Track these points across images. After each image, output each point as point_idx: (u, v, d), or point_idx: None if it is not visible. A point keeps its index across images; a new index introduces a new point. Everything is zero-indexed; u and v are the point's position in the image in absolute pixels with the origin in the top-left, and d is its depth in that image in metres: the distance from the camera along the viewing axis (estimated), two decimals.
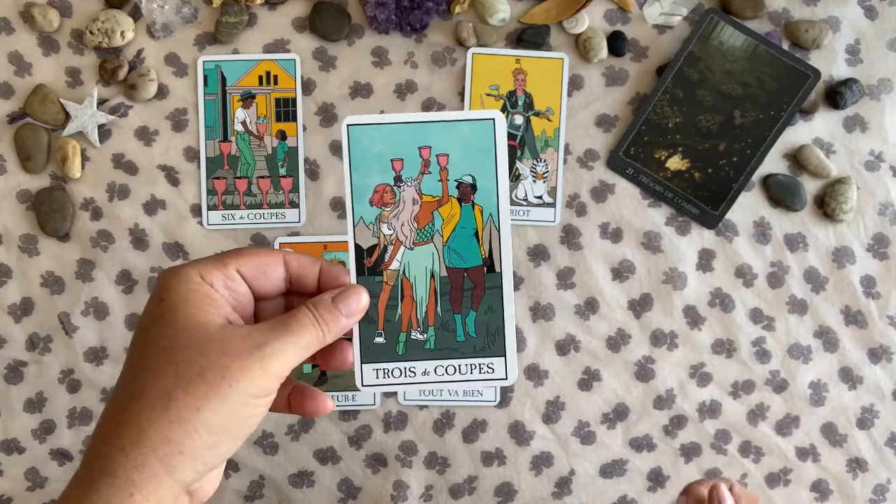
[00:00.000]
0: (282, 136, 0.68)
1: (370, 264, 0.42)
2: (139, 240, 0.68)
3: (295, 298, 0.42)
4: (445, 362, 0.42)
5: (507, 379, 0.42)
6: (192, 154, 0.68)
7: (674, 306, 0.68)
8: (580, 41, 0.68)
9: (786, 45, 0.68)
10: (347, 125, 0.41)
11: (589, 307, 0.68)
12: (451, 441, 0.69)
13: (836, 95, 0.67)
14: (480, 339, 0.42)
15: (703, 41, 0.67)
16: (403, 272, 0.42)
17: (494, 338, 0.42)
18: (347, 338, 0.41)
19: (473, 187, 0.41)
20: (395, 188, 0.41)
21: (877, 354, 0.69)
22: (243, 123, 0.68)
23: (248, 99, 0.68)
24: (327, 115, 0.68)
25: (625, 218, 0.68)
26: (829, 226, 0.68)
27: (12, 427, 0.68)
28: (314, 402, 0.41)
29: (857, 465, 0.69)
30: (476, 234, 0.42)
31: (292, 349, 0.37)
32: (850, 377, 0.69)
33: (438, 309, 0.42)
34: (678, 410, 0.69)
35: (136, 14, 0.67)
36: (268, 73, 0.68)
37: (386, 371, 0.42)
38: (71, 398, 0.68)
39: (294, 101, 0.68)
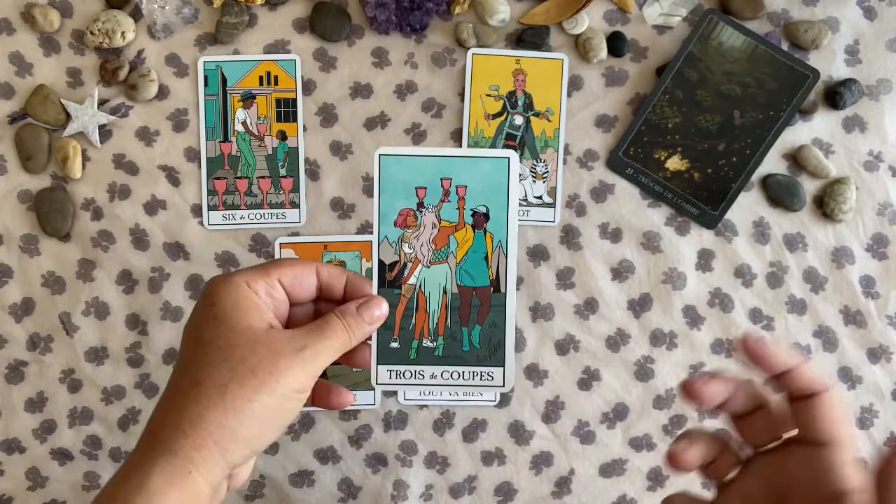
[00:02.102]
0: (282, 136, 0.68)
1: (391, 278, 0.47)
2: (140, 240, 0.68)
3: (322, 304, 0.48)
4: (451, 368, 0.48)
5: (504, 386, 0.48)
6: (192, 154, 0.68)
7: (673, 306, 0.68)
8: (580, 42, 0.68)
9: (785, 46, 0.68)
10: (379, 155, 0.46)
11: (588, 307, 0.68)
12: (451, 441, 0.69)
13: (835, 96, 0.67)
14: (483, 349, 0.48)
15: (702, 41, 0.67)
16: (420, 287, 0.48)
17: (496, 350, 0.48)
18: (367, 341, 0.47)
19: (486, 216, 0.47)
20: (417, 213, 0.47)
21: (876, 354, 0.69)
22: (244, 124, 0.68)
23: (248, 99, 0.68)
24: (328, 116, 0.68)
25: (624, 218, 0.68)
26: (828, 226, 0.69)
27: (13, 427, 0.68)
28: (338, 396, 0.48)
29: None
30: (486, 258, 0.47)
31: (326, 351, 0.43)
32: (849, 377, 0.69)
33: (448, 321, 0.48)
34: (678, 410, 0.69)
35: (136, 14, 0.67)
36: (268, 74, 0.68)
37: (398, 372, 0.48)
38: (72, 398, 0.68)
39: (294, 101, 0.68)
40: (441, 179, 0.46)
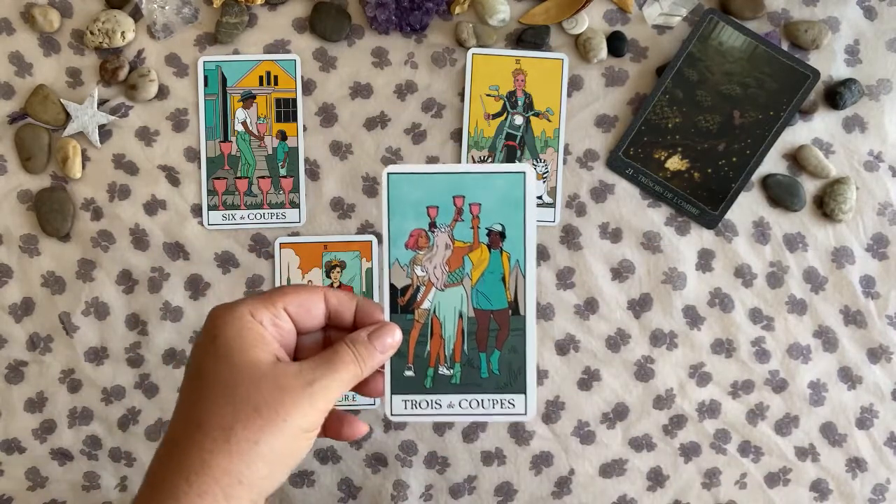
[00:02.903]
0: (282, 136, 0.68)
1: (403, 303, 0.45)
2: (140, 240, 0.68)
3: (332, 332, 0.45)
4: (469, 397, 0.45)
5: (526, 415, 0.45)
6: (192, 154, 0.68)
7: (673, 306, 0.68)
8: (580, 42, 0.68)
9: (785, 46, 0.68)
10: (388, 173, 0.44)
11: (589, 307, 0.68)
12: (451, 441, 0.69)
13: (835, 96, 0.67)
14: (503, 376, 0.45)
15: (702, 42, 0.67)
16: (434, 311, 0.45)
17: (516, 376, 0.45)
18: (380, 369, 0.44)
19: (502, 235, 0.45)
20: (429, 233, 0.45)
21: (876, 354, 0.69)
22: (244, 124, 0.68)
23: (248, 99, 0.68)
24: (328, 116, 0.68)
25: (624, 218, 0.68)
26: (828, 226, 0.69)
27: (13, 427, 0.68)
28: (351, 427, 0.45)
29: (856, 464, 0.69)
30: (503, 279, 0.45)
31: (336, 385, 0.40)
32: (849, 377, 0.69)
33: (465, 347, 0.45)
34: (678, 410, 0.69)
35: (136, 14, 0.67)
36: (268, 74, 0.68)
37: (414, 402, 0.45)
38: (71, 398, 0.68)
39: (294, 101, 0.68)
40: (453, 197, 0.44)
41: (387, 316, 0.45)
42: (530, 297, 0.45)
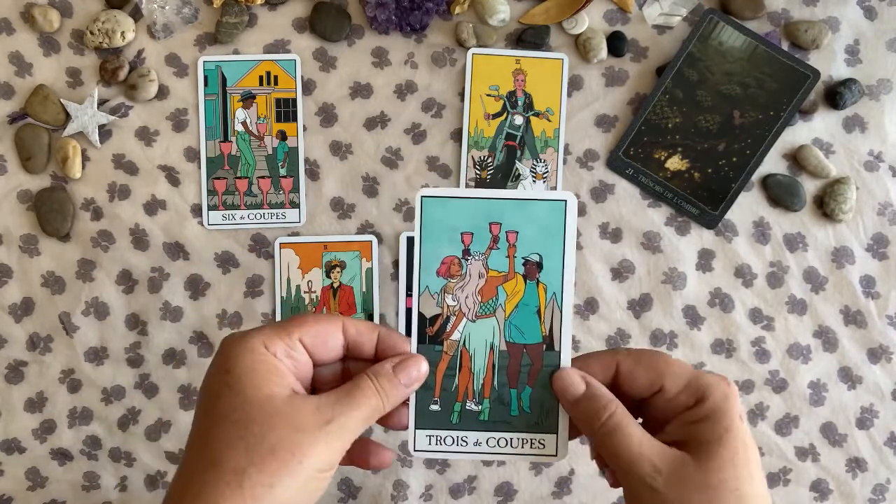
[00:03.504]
0: (282, 136, 0.68)
1: (432, 333, 0.43)
2: (140, 240, 0.68)
3: (351, 363, 0.43)
4: (498, 434, 0.43)
5: (557, 456, 0.43)
6: (192, 154, 0.68)
7: (673, 306, 0.68)
8: (580, 41, 0.68)
9: (785, 46, 0.68)
10: (422, 196, 0.42)
11: (589, 307, 0.68)
12: None
13: (835, 96, 0.67)
14: (534, 414, 0.43)
15: (702, 41, 0.67)
16: (464, 343, 0.43)
17: (548, 414, 0.43)
18: (405, 402, 0.42)
19: (540, 265, 0.42)
20: (462, 261, 0.42)
21: (876, 354, 0.69)
22: (244, 124, 0.68)
23: (248, 99, 0.68)
24: (328, 116, 0.68)
25: (624, 218, 0.68)
26: (828, 226, 0.69)
27: (13, 427, 0.68)
28: (377, 456, 0.43)
29: (856, 464, 0.69)
30: (538, 312, 0.43)
31: (355, 422, 0.38)
32: (849, 377, 0.69)
33: (495, 382, 0.43)
34: None
35: (136, 14, 0.67)
36: (268, 74, 0.68)
37: (439, 438, 0.43)
38: (71, 398, 0.68)
39: (294, 101, 0.68)
40: (490, 224, 0.42)
41: (414, 347, 0.43)
42: (566, 332, 0.42)
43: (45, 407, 0.68)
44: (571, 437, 0.43)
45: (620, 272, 0.69)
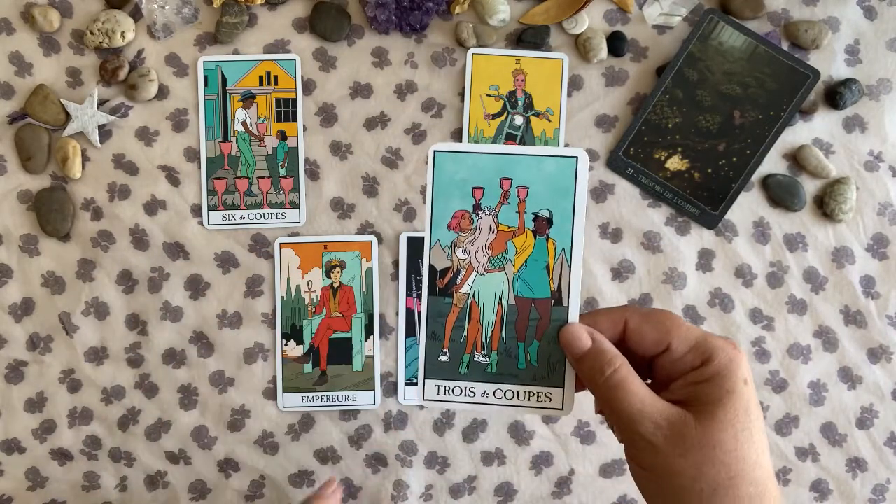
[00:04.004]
0: (282, 136, 0.68)
1: (442, 285, 0.43)
2: (140, 240, 0.68)
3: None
4: (504, 387, 0.43)
5: (563, 409, 0.43)
6: (192, 154, 0.68)
7: (673, 306, 0.68)
8: (580, 41, 0.68)
9: (785, 46, 0.68)
10: (434, 151, 0.42)
11: (589, 307, 0.68)
12: (451, 441, 0.69)
13: (835, 96, 0.67)
14: (541, 368, 0.43)
15: (702, 41, 0.67)
16: (473, 296, 0.43)
17: (555, 368, 0.43)
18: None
19: (550, 221, 0.43)
20: (473, 215, 0.43)
21: (876, 354, 0.69)
22: (244, 123, 0.68)
23: (248, 99, 0.68)
24: (327, 116, 0.68)
25: (625, 218, 0.68)
26: (828, 226, 0.68)
27: (13, 427, 0.68)
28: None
29: (856, 464, 0.69)
30: (547, 267, 0.43)
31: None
32: (849, 377, 0.69)
33: (503, 335, 0.43)
34: None
35: (136, 14, 0.67)
36: (268, 74, 0.68)
37: (447, 388, 0.44)
38: (71, 398, 0.68)
39: (294, 101, 0.68)
40: (500, 179, 0.42)
41: (424, 298, 0.43)
42: (574, 288, 0.43)
43: (45, 407, 0.68)
44: (577, 390, 0.43)
45: (620, 272, 0.69)
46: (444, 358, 0.44)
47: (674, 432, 0.38)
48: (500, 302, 0.43)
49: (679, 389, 0.39)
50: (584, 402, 0.70)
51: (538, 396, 0.43)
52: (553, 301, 0.43)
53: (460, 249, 0.43)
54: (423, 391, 0.44)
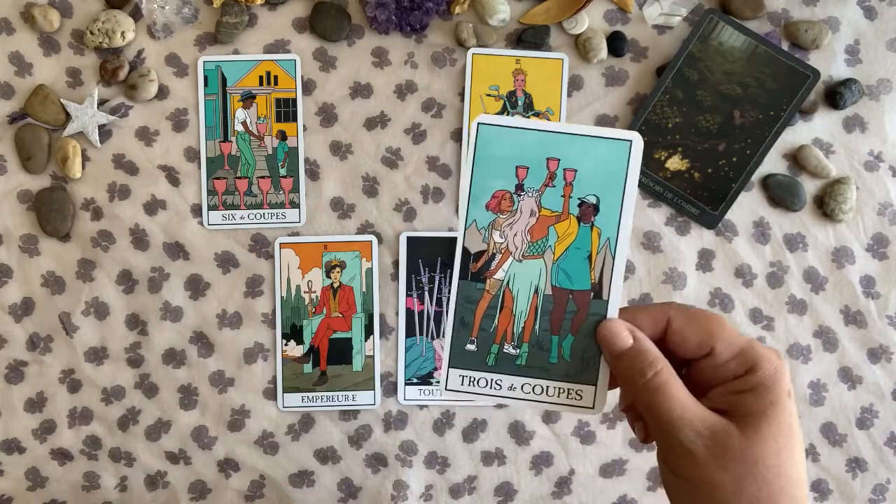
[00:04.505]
0: (282, 136, 0.68)
1: (475, 269, 0.41)
2: (140, 240, 0.68)
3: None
4: (533, 381, 0.41)
5: (594, 409, 0.41)
6: (192, 154, 0.68)
7: None
8: (580, 41, 0.68)
9: (785, 46, 0.68)
10: (478, 123, 0.39)
11: None
12: (451, 441, 0.69)
13: (835, 96, 0.67)
14: (574, 364, 0.40)
15: (702, 41, 0.67)
16: (507, 283, 0.41)
17: (588, 365, 0.40)
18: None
19: (596, 208, 0.40)
20: (514, 196, 0.40)
21: (876, 354, 0.69)
22: (244, 123, 0.68)
23: (248, 99, 0.68)
24: (327, 116, 0.68)
25: None
26: (828, 226, 0.68)
27: (13, 427, 0.68)
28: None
29: (856, 464, 0.69)
30: (589, 258, 0.40)
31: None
32: (849, 377, 0.69)
33: (537, 326, 0.41)
34: None
35: (136, 14, 0.67)
36: (268, 74, 0.68)
37: (472, 379, 0.41)
38: (71, 398, 0.68)
39: (294, 101, 0.68)
40: (547, 160, 0.39)
41: (455, 281, 0.41)
42: (616, 281, 0.40)
43: (45, 407, 0.68)
44: (610, 389, 0.41)
45: None
46: (471, 347, 0.41)
47: (715, 443, 0.36)
48: (536, 291, 0.41)
49: (719, 397, 0.38)
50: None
51: (568, 393, 0.41)
52: (593, 293, 0.40)
53: (498, 232, 0.40)
54: (447, 381, 0.41)
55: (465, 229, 0.40)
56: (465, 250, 0.40)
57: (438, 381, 0.47)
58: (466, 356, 0.41)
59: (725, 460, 0.36)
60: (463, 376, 0.41)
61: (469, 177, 0.40)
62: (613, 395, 0.42)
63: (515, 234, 0.40)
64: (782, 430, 0.36)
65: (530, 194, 0.40)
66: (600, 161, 0.39)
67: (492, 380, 0.41)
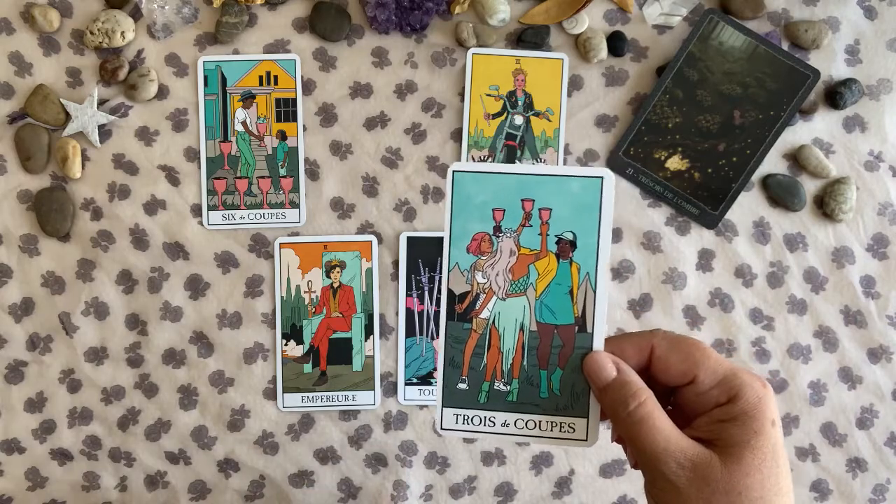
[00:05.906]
0: (282, 136, 0.68)
1: (461, 310, 0.42)
2: (139, 240, 0.68)
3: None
4: (526, 416, 0.42)
5: (587, 441, 0.41)
6: (192, 154, 0.68)
7: (673, 306, 0.68)
8: (580, 41, 0.68)
9: (785, 46, 0.68)
10: (453, 171, 0.41)
11: None
12: (450, 441, 0.69)
13: (835, 95, 0.67)
14: (564, 397, 0.41)
15: (702, 41, 0.67)
16: (493, 322, 0.42)
17: (579, 398, 0.41)
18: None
19: (573, 244, 0.41)
20: (493, 238, 0.41)
21: (876, 354, 0.69)
22: (243, 123, 0.68)
23: (248, 99, 0.68)
24: (327, 116, 0.68)
25: (625, 218, 0.68)
26: (828, 226, 0.68)
27: (12, 427, 0.68)
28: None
29: (856, 464, 0.69)
30: (570, 292, 0.41)
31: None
32: (849, 377, 0.69)
33: (525, 363, 0.42)
34: None
35: (136, 14, 0.67)
36: (268, 74, 0.68)
37: (466, 417, 0.42)
38: (71, 398, 0.68)
39: (294, 101, 0.68)
40: (522, 200, 0.41)
41: (442, 323, 0.42)
42: (599, 314, 0.41)
43: (45, 407, 0.68)
44: (602, 420, 0.42)
45: (620, 272, 0.69)
46: (462, 386, 0.42)
47: (698, 475, 0.36)
48: (522, 328, 0.42)
49: (704, 426, 0.38)
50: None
51: (561, 427, 0.42)
52: (577, 327, 0.41)
53: (480, 273, 0.42)
54: (441, 420, 0.42)
55: (449, 272, 0.42)
56: (450, 292, 0.42)
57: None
58: (459, 395, 0.42)
59: (708, 492, 0.36)
60: (457, 415, 0.42)
61: (449, 221, 0.41)
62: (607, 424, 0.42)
63: (497, 274, 0.42)
64: (766, 461, 0.36)
65: (508, 235, 0.41)
66: (574, 198, 0.41)
67: (485, 417, 0.42)
